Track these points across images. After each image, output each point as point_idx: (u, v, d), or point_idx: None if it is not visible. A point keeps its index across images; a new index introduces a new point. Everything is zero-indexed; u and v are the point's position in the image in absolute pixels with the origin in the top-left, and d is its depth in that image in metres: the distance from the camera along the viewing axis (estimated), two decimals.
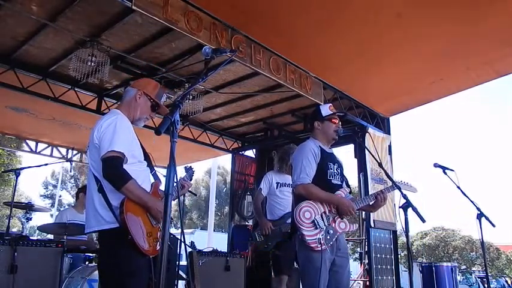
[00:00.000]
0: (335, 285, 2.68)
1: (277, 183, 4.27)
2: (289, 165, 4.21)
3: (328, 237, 2.66)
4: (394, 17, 4.00)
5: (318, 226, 2.65)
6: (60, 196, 27.84)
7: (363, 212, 5.50)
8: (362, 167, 5.86)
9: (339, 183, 2.89)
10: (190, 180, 2.61)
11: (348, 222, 2.77)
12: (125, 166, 2.08)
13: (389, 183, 2.82)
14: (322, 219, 2.69)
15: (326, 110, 2.96)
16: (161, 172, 3.57)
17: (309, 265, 2.62)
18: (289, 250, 3.91)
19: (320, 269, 2.55)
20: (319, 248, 2.58)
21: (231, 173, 7.84)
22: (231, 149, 7.88)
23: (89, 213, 2.12)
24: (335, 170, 2.88)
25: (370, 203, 2.83)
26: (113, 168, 2.03)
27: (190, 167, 2.67)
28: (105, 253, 2.15)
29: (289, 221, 4.00)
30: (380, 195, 2.79)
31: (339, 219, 2.73)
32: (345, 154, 6.86)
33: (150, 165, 2.34)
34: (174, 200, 1.91)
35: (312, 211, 2.69)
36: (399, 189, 2.69)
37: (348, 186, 3.00)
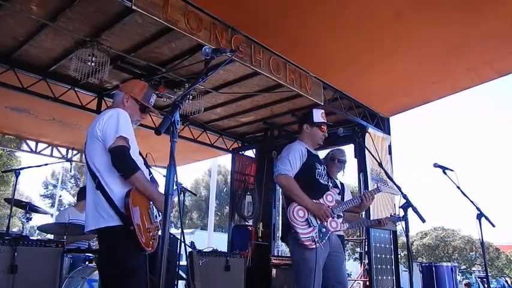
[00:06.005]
0: (333, 273, 2.75)
1: None
2: None
3: (321, 235, 2.71)
4: (394, 17, 4.00)
5: (311, 224, 2.71)
6: (60, 196, 27.82)
7: (363, 212, 5.49)
8: (362, 167, 5.86)
9: (326, 183, 2.95)
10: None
11: (340, 222, 2.84)
12: None
13: (390, 183, 2.88)
14: (315, 218, 2.74)
15: (318, 116, 3.03)
16: (161, 172, 3.57)
17: (303, 264, 2.66)
18: None
19: (314, 268, 2.59)
20: (313, 246, 2.63)
21: (231, 173, 7.82)
22: (231, 149, 7.88)
23: (87, 213, 2.14)
24: (322, 171, 2.96)
25: (357, 204, 2.94)
26: (123, 157, 2.04)
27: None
28: (104, 252, 2.15)
29: None
30: (367, 195, 2.92)
31: (330, 218, 2.77)
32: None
33: (147, 165, 2.35)
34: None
35: (305, 210, 2.74)
36: (399, 189, 2.72)
37: (336, 187, 3.09)
